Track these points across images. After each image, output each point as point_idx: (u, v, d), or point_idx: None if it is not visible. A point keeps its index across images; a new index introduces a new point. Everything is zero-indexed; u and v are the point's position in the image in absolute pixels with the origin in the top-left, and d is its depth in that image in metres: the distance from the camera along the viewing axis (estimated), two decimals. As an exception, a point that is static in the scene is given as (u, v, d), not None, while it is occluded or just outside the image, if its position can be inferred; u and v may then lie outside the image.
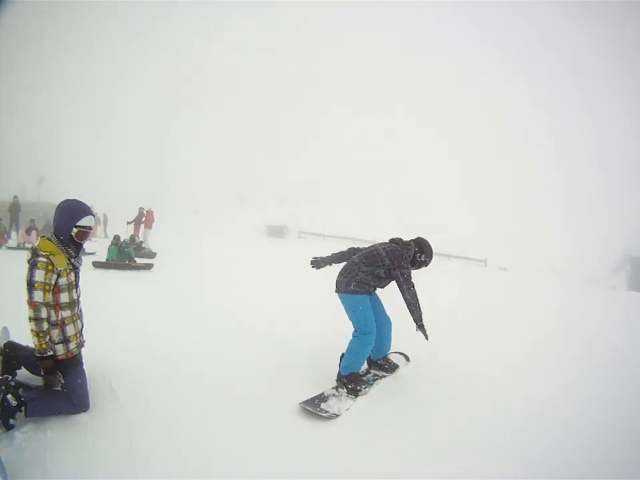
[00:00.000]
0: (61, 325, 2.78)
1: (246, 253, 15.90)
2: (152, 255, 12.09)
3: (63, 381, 2.78)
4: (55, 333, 2.76)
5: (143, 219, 15.21)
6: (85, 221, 2.84)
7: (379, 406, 3.24)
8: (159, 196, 40.48)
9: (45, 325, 2.64)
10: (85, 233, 2.88)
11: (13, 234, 14.41)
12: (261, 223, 33.26)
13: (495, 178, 48.93)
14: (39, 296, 2.63)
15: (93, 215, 2.96)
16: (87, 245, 11.57)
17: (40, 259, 2.68)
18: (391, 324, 3.71)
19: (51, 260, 2.69)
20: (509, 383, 3.90)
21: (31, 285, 2.64)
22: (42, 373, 2.76)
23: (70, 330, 2.82)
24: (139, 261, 10.16)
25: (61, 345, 2.78)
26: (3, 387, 2.58)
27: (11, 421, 2.53)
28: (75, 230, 2.82)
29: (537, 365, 4.51)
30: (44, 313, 2.64)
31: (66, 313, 2.80)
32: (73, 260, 2.84)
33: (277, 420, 2.99)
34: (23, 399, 2.61)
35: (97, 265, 9.27)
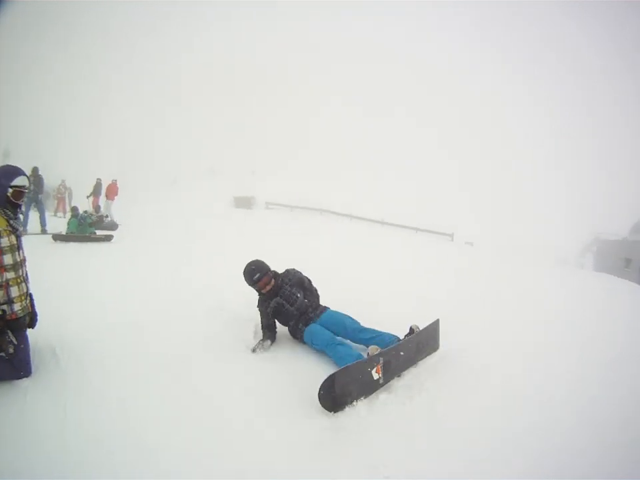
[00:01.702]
0: (5, 286, 2.79)
1: (211, 224, 15.76)
2: (114, 226, 11.85)
3: (15, 343, 2.77)
4: None
5: (104, 191, 14.89)
6: (18, 181, 2.90)
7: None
8: (141, 169, 39.74)
9: None
10: (20, 192, 2.91)
11: None
12: (230, 195, 33.06)
13: (494, 171, 49.54)
14: None
15: (26, 175, 2.99)
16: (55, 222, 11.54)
17: None
18: (345, 316, 3.71)
19: None
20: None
21: None
22: None
23: (14, 291, 2.84)
24: (99, 233, 9.95)
25: (5, 305, 2.80)
26: None
27: None
28: (10, 190, 2.86)
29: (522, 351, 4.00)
30: None
31: (10, 275, 2.81)
32: (11, 222, 2.85)
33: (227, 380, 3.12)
34: None
35: (56, 237, 9.05)
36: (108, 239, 9.43)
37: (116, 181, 15.28)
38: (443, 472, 2.25)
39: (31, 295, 3.15)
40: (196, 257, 7.88)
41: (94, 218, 10.86)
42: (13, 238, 2.85)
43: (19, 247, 2.92)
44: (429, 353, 3.55)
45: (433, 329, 3.60)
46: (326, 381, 2.69)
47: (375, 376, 2.94)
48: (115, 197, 15.03)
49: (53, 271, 5.65)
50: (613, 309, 5.77)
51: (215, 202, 28.23)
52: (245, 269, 3.86)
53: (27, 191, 2.99)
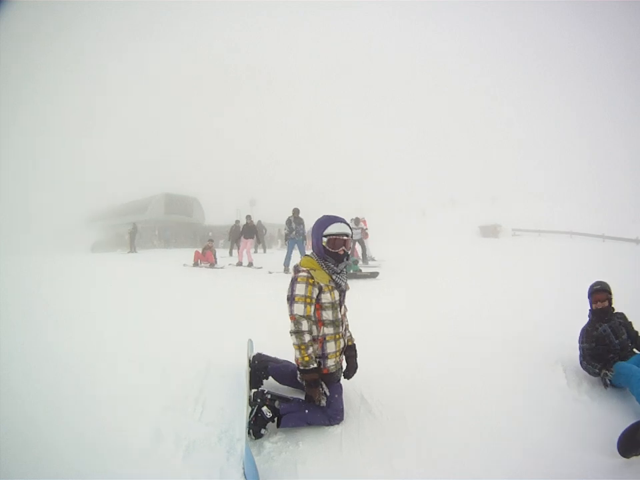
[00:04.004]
0: (322, 340, 2.78)
1: (462, 254, 15.10)
2: (374, 264, 12.37)
3: (328, 394, 2.76)
4: (314, 348, 2.76)
5: None
6: (332, 228, 2.81)
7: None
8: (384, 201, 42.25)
9: (307, 337, 2.64)
10: (338, 239, 2.81)
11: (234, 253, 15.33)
12: (473, 224, 31.54)
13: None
14: (299, 309, 2.66)
15: (343, 222, 2.88)
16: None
17: (300, 273, 2.74)
18: None
19: (311, 274, 2.73)
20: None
21: (291, 299, 2.69)
22: (304, 386, 2.77)
23: (330, 347, 2.80)
24: (364, 270, 10.29)
25: (318, 360, 2.78)
26: (259, 400, 2.70)
27: (262, 431, 2.62)
28: (324, 240, 2.81)
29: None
30: (305, 326, 2.64)
31: (328, 330, 2.78)
32: (335, 277, 2.81)
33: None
34: (278, 411, 2.69)
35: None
36: (374, 275, 9.74)
37: (364, 218, 15.96)
38: None
39: (354, 347, 3.13)
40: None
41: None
42: (336, 294, 2.82)
43: (340, 303, 2.88)
44: None
45: None
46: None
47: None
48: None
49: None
50: None
51: (459, 233, 27.51)
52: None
53: (346, 238, 2.84)
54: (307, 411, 2.74)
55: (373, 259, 13.09)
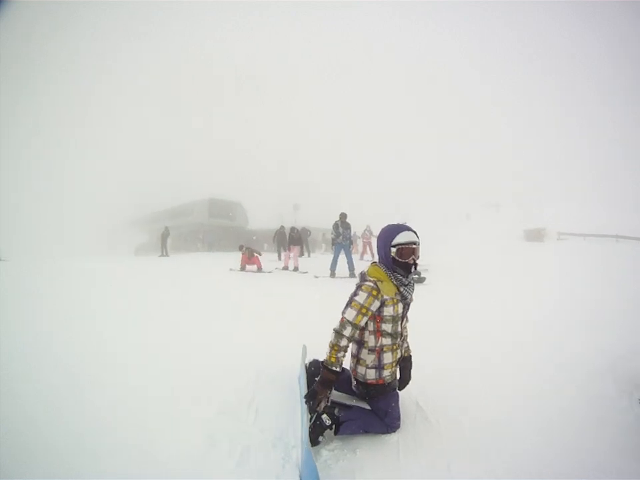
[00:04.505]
0: (379, 351, 2.74)
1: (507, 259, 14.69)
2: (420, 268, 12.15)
3: (327, 404, 2.68)
4: (371, 358, 2.74)
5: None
6: (400, 237, 2.70)
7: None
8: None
9: (344, 342, 2.59)
10: (406, 248, 2.68)
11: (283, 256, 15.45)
12: (518, 227, 30.53)
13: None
14: (350, 314, 2.61)
15: (411, 230, 2.76)
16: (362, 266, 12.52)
17: (367, 282, 2.66)
18: None
19: (377, 286, 2.63)
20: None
21: (349, 302, 2.65)
22: (317, 382, 2.68)
23: (387, 358, 2.76)
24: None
25: (374, 370, 2.75)
26: (319, 407, 2.64)
27: (320, 438, 2.58)
28: (393, 250, 2.70)
29: None
30: (347, 332, 2.59)
31: (386, 341, 2.73)
32: (402, 289, 2.72)
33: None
34: (337, 418, 2.67)
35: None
36: (421, 280, 9.64)
37: (405, 222, 15.85)
38: None
39: (410, 358, 3.10)
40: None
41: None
42: (399, 307, 2.73)
43: (403, 316, 2.82)
44: None
45: None
46: None
47: None
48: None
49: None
50: None
51: (502, 237, 26.75)
52: None
53: (415, 246, 2.71)
54: (365, 419, 2.72)
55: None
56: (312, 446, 2.52)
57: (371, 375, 2.76)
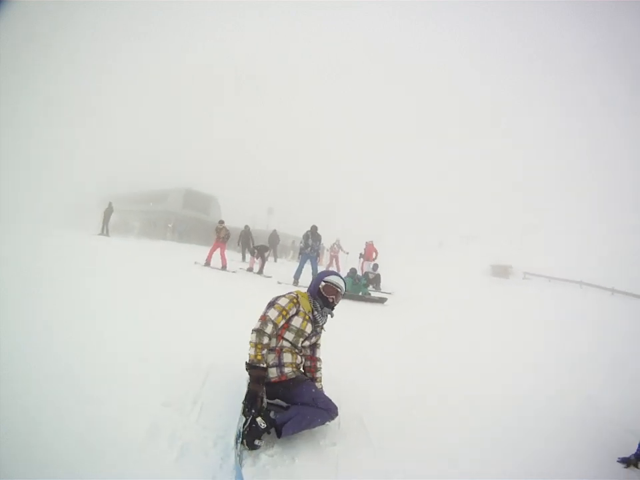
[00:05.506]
0: (279, 351, 2.96)
1: (472, 294, 14.98)
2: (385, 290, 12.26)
3: (265, 401, 2.78)
4: (271, 357, 2.93)
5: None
6: (332, 279, 3.23)
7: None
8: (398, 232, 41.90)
9: (265, 339, 2.81)
10: (331, 288, 3.19)
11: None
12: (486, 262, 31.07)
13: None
14: (272, 314, 2.91)
15: (341, 278, 3.32)
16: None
17: (290, 293, 3.14)
18: None
19: (298, 299, 3.08)
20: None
21: (271, 304, 3.02)
22: (249, 383, 2.80)
23: (286, 357, 2.96)
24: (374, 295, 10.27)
25: (275, 368, 2.92)
26: (253, 410, 2.68)
27: (257, 442, 2.59)
28: (322, 284, 3.20)
29: None
30: (269, 329, 2.84)
31: (286, 344, 2.99)
32: (316, 312, 3.11)
33: None
34: (274, 421, 2.71)
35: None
36: (382, 301, 9.67)
37: (372, 242, 15.79)
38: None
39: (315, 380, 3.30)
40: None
41: (370, 277, 11.51)
42: (308, 326, 3.06)
43: (309, 337, 3.10)
44: None
45: None
46: None
47: None
48: (373, 259, 15.28)
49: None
50: None
51: (470, 269, 27.14)
52: None
53: (339, 290, 3.23)
54: (303, 413, 2.78)
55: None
56: (249, 449, 2.57)
57: (273, 373, 2.90)
